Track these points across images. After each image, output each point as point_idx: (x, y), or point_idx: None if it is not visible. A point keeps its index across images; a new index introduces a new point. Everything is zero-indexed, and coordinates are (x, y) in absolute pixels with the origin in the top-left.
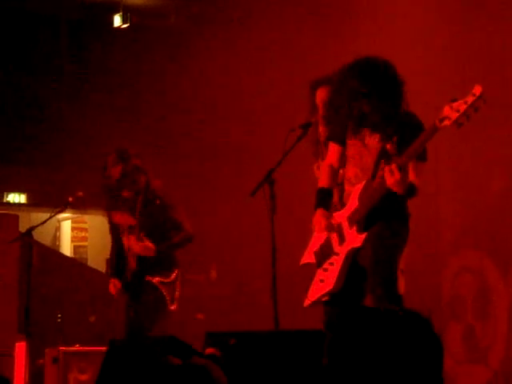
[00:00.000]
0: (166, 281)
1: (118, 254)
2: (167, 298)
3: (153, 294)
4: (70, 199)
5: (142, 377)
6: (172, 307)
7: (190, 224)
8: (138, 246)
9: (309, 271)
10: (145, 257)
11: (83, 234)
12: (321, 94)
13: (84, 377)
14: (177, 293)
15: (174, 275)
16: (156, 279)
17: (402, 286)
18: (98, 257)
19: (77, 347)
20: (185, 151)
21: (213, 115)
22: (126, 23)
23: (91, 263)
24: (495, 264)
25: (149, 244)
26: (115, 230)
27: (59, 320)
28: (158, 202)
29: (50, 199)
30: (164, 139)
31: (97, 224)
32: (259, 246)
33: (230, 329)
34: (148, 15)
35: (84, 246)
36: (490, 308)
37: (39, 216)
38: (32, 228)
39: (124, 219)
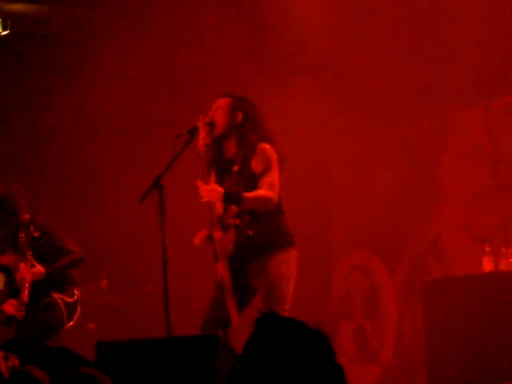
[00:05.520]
0: (68, 300)
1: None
2: (65, 317)
3: (50, 308)
4: None
5: None
6: (68, 325)
7: (79, 248)
8: (30, 272)
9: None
10: (38, 282)
11: None
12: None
13: None
14: (77, 312)
15: (75, 296)
16: (57, 295)
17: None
18: None
19: None
20: (71, 163)
21: (100, 124)
22: (6, 30)
23: None
24: (384, 263)
25: (39, 268)
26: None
27: None
28: (41, 235)
29: None
30: (45, 151)
31: None
32: (150, 253)
33: (122, 337)
34: (28, 22)
35: None
36: (379, 307)
37: None
38: None
39: (9, 259)
